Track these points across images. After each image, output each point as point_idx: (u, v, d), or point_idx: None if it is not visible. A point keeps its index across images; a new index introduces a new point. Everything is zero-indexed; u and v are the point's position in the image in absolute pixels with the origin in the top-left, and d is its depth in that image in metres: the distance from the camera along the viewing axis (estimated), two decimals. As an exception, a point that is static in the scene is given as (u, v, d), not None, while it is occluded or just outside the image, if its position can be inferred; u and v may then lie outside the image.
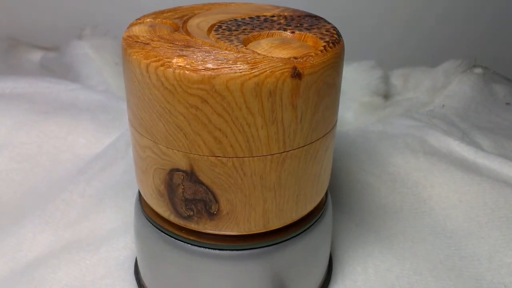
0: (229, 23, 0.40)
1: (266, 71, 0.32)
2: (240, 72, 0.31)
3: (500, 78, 0.90)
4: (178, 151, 0.35)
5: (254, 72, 0.31)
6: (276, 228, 0.40)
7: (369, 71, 0.87)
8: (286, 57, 0.33)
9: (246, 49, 0.34)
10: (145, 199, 0.42)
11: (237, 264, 0.40)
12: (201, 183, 0.36)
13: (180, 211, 0.38)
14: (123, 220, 0.56)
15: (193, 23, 0.39)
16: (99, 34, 0.95)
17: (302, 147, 0.36)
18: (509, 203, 0.56)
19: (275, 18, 0.41)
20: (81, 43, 0.92)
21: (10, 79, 0.76)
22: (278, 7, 0.45)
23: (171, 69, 0.32)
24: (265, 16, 0.42)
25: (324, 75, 0.35)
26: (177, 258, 0.41)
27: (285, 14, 0.43)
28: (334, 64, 0.36)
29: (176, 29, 0.38)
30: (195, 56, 0.32)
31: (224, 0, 0.48)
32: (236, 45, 0.35)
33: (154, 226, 0.42)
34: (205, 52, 0.33)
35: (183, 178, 0.36)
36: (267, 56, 0.33)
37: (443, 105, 0.82)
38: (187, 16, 0.41)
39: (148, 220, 0.42)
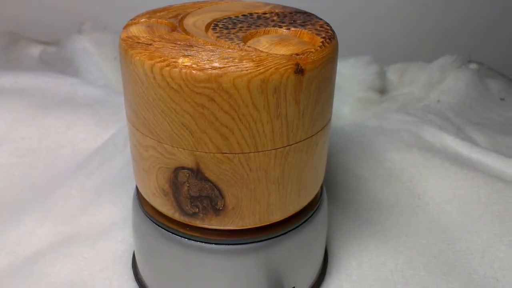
0: (224, 21, 0.40)
1: (271, 68, 0.33)
2: (247, 70, 0.32)
3: (495, 73, 0.91)
4: (184, 149, 0.35)
5: (260, 70, 0.32)
6: (279, 220, 0.41)
7: (366, 67, 0.87)
8: (288, 53, 0.34)
9: (248, 47, 0.35)
10: (147, 198, 0.42)
11: (234, 258, 0.41)
12: (207, 180, 0.36)
13: (185, 208, 0.38)
14: (121, 214, 0.57)
15: (189, 22, 0.40)
16: (98, 29, 0.94)
17: (303, 140, 0.37)
18: (502, 198, 0.57)
19: (267, 15, 0.42)
20: (81, 37, 0.92)
21: (10, 74, 0.77)
22: (268, 4, 0.45)
23: (177, 69, 0.32)
24: (257, 13, 0.43)
25: (323, 70, 0.36)
26: (174, 252, 0.42)
27: (276, 11, 0.43)
28: (331, 59, 0.37)
29: (173, 29, 0.38)
30: (200, 56, 0.33)
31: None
32: (238, 43, 0.35)
33: (152, 220, 0.42)
34: (209, 51, 0.34)
35: (189, 176, 0.36)
36: (271, 54, 0.34)
37: (438, 100, 0.83)
38: (181, 15, 0.41)
39: (146, 215, 0.43)
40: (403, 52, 1.04)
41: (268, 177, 0.37)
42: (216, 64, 0.32)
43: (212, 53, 0.33)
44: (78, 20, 0.95)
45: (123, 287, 0.49)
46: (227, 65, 0.32)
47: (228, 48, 0.35)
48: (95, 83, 0.82)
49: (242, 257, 0.41)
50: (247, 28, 0.39)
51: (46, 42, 1.01)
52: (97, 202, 0.58)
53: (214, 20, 0.40)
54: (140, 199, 0.44)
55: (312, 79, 0.35)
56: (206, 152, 0.35)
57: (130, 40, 0.36)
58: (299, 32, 0.39)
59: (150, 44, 0.35)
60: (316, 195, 0.45)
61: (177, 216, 0.39)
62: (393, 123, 0.73)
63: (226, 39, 0.36)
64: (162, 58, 0.33)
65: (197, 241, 0.40)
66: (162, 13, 0.42)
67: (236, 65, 0.32)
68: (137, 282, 0.49)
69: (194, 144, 0.35)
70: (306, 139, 0.37)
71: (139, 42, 0.35)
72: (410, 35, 1.06)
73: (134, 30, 0.38)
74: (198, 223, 0.39)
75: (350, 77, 0.86)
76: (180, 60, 0.33)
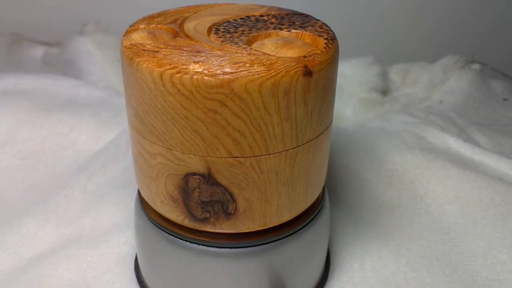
0: (224, 25, 0.40)
1: (281, 71, 0.33)
2: (258, 74, 0.32)
3: (497, 74, 0.91)
4: (195, 155, 0.35)
5: (271, 73, 0.33)
6: (288, 220, 0.41)
7: (368, 67, 0.87)
8: (295, 56, 0.34)
9: (256, 51, 0.35)
10: (153, 206, 0.41)
11: (236, 261, 0.41)
12: (219, 184, 0.36)
13: (196, 214, 0.38)
14: (123, 217, 0.57)
15: (189, 27, 0.40)
16: (101, 30, 0.94)
17: (311, 140, 0.38)
18: (505, 200, 0.56)
19: (265, 18, 0.42)
20: (83, 39, 0.92)
21: (12, 76, 0.77)
22: (262, 6, 0.45)
23: (188, 76, 0.32)
24: (254, 16, 0.43)
25: (329, 71, 0.36)
26: (176, 255, 0.42)
27: (273, 13, 0.44)
28: (335, 59, 0.37)
29: (175, 35, 0.38)
30: (210, 61, 0.33)
31: (204, 1, 0.48)
32: (244, 47, 0.36)
33: (154, 224, 0.42)
34: (218, 56, 0.34)
35: (200, 181, 0.36)
36: (280, 57, 0.34)
37: (441, 101, 0.83)
38: (180, 20, 0.41)
39: (148, 217, 0.43)
40: (406, 53, 1.04)
41: (278, 179, 0.37)
42: (227, 69, 0.32)
43: (222, 58, 0.33)
44: (80, 21, 0.95)
45: (125, 290, 0.49)
46: (238, 70, 0.32)
47: (236, 52, 0.35)
48: (97, 85, 0.82)
49: (245, 260, 0.41)
50: (249, 32, 0.39)
51: (49, 43, 1.01)
52: (99, 204, 0.59)
53: (214, 24, 0.40)
54: (142, 202, 0.44)
55: (318, 80, 0.35)
56: (217, 157, 0.35)
57: (135, 47, 0.36)
58: (300, 34, 0.39)
59: (157, 52, 0.35)
60: (318, 197, 0.45)
61: (187, 222, 0.39)
62: (396, 124, 0.73)
63: (232, 44, 0.36)
64: (172, 65, 0.33)
65: (199, 244, 0.40)
66: (159, 19, 0.42)
67: (248, 70, 0.32)
68: (139, 285, 0.49)
69: (205, 149, 0.35)
70: (313, 139, 0.38)
71: (145, 50, 0.35)
72: (413, 35, 1.06)
73: (137, 37, 0.38)
74: (209, 228, 0.39)
75: (352, 78, 0.86)
76: (191, 67, 0.32)
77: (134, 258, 0.52)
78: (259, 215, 0.39)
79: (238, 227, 0.39)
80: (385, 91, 0.88)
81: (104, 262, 0.51)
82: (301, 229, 0.43)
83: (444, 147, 0.67)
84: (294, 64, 0.34)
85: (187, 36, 0.38)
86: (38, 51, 1.00)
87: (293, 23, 0.41)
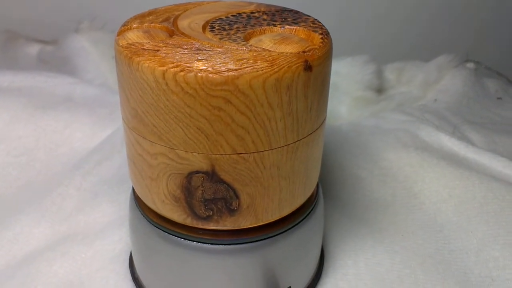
0: (218, 22, 0.41)
1: (284, 66, 0.33)
2: (262, 70, 0.33)
3: (492, 72, 0.91)
4: (199, 153, 0.35)
5: (274, 69, 0.33)
6: (288, 213, 0.41)
7: (363, 66, 0.87)
8: (295, 51, 0.35)
9: (256, 47, 0.35)
10: (153, 206, 0.41)
11: (231, 258, 0.41)
12: (223, 181, 0.36)
13: (199, 212, 0.38)
14: (118, 214, 0.57)
15: (183, 25, 0.40)
16: (96, 28, 0.94)
17: (310, 134, 0.38)
18: (497, 198, 0.57)
19: (256, 15, 0.42)
20: (79, 36, 0.92)
21: (7, 73, 0.77)
22: (251, 3, 0.46)
23: (192, 74, 0.32)
24: (245, 12, 0.43)
25: (326, 66, 0.37)
26: (171, 252, 0.42)
27: (262, 9, 0.44)
28: (330, 54, 0.38)
29: (171, 33, 0.38)
30: (213, 59, 0.33)
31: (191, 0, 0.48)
32: (244, 44, 0.36)
33: (148, 221, 0.42)
34: (220, 53, 0.34)
35: (203, 179, 0.36)
36: (282, 53, 0.34)
37: (436, 100, 0.83)
38: (171, 18, 0.41)
39: (142, 214, 0.43)
40: (401, 52, 1.04)
41: (280, 173, 0.38)
42: (231, 66, 0.32)
43: (224, 56, 0.34)
44: (76, 19, 0.95)
45: (119, 287, 0.49)
46: (242, 67, 0.32)
47: (237, 49, 0.35)
48: (93, 82, 0.82)
49: (239, 257, 0.41)
50: (244, 28, 0.39)
51: (44, 41, 1.01)
52: (94, 202, 0.59)
53: (207, 22, 0.40)
54: (136, 197, 0.44)
55: (317, 75, 0.36)
56: (221, 154, 0.35)
57: (133, 47, 0.36)
58: (294, 30, 0.39)
59: (158, 50, 0.34)
60: (313, 194, 0.45)
61: (189, 221, 0.39)
62: (390, 123, 0.74)
63: (230, 41, 0.36)
64: (175, 64, 0.33)
65: (194, 241, 0.41)
66: (151, 17, 0.41)
67: (252, 66, 0.33)
68: (133, 282, 0.49)
69: (209, 147, 0.35)
70: (312, 132, 0.39)
71: (144, 49, 0.35)
72: (408, 34, 1.06)
73: (133, 36, 0.38)
74: (212, 225, 0.39)
75: (348, 76, 0.86)
76: (195, 65, 0.33)
77: (128, 255, 0.52)
78: (261, 210, 0.39)
79: (241, 223, 0.39)
80: (380, 90, 0.89)
81: (99, 259, 0.51)
82: (295, 225, 0.43)
83: (438, 145, 0.68)
84: (295, 59, 0.34)
85: (183, 34, 0.38)
86: (33, 49, 0.99)
87: (285, 19, 0.41)
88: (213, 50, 0.34)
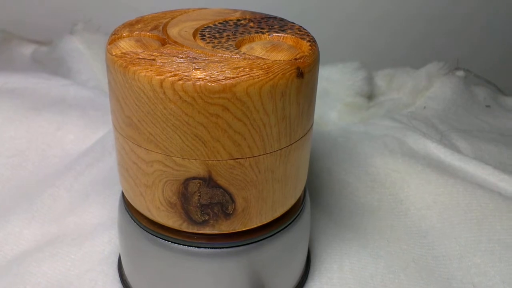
0: (207, 30, 0.41)
1: (278, 74, 0.34)
2: (258, 78, 0.34)
3: (481, 80, 0.92)
4: (196, 159, 0.36)
5: (269, 76, 0.34)
6: (281, 214, 0.42)
7: (354, 72, 0.87)
8: (287, 59, 0.36)
9: (249, 55, 0.36)
10: (147, 213, 0.41)
11: (217, 261, 0.42)
12: (219, 186, 0.37)
13: (195, 218, 0.39)
14: (108, 216, 0.57)
15: (173, 33, 0.40)
16: (91, 30, 0.94)
17: (301, 138, 0.39)
18: (481, 205, 0.57)
19: (243, 22, 0.43)
20: (73, 38, 0.92)
21: (1, 74, 0.77)
22: (235, 11, 0.47)
23: (190, 82, 0.33)
24: (232, 20, 0.44)
25: (315, 72, 0.38)
26: (158, 255, 0.42)
27: (248, 17, 0.45)
28: (318, 61, 0.39)
29: (162, 41, 0.39)
30: (211, 67, 0.34)
31: (177, 7, 0.49)
32: (237, 52, 0.37)
33: (137, 224, 0.43)
34: (217, 62, 0.35)
35: (200, 185, 0.37)
36: (276, 60, 0.36)
37: (425, 107, 0.84)
38: (160, 26, 0.41)
39: (131, 217, 0.43)
40: (392, 59, 1.05)
41: (274, 177, 0.39)
42: (228, 75, 0.33)
43: (220, 64, 0.34)
44: (70, 20, 0.95)
45: (107, 288, 0.49)
46: (239, 75, 0.33)
47: (231, 58, 0.36)
48: (86, 84, 0.82)
49: (226, 260, 0.42)
50: (234, 36, 0.40)
51: (39, 41, 1.01)
52: (85, 203, 0.59)
53: (196, 30, 0.41)
54: (125, 200, 0.45)
55: (308, 81, 0.37)
56: (218, 160, 0.36)
57: (128, 56, 0.36)
58: (282, 37, 0.41)
59: (154, 60, 0.35)
60: (299, 199, 0.46)
61: (184, 226, 0.40)
62: (379, 129, 0.75)
63: (223, 49, 0.37)
64: (173, 73, 0.33)
65: (175, 242, 0.41)
66: (139, 26, 0.42)
67: (248, 74, 0.34)
68: (122, 283, 0.49)
69: (206, 153, 0.35)
70: (303, 136, 0.40)
71: (140, 58, 0.35)
72: (399, 41, 1.07)
73: (125, 45, 0.38)
74: (207, 230, 0.40)
75: (338, 82, 0.86)
76: (192, 74, 0.33)
77: (117, 257, 0.52)
78: (255, 213, 0.40)
79: (236, 227, 0.40)
80: (370, 96, 0.89)
81: (88, 261, 0.52)
82: (282, 230, 0.43)
83: (425, 152, 0.69)
84: (288, 66, 0.35)
85: (176, 42, 0.38)
86: (27, 49, 1.00)
87: (272, 26, 0.42)
88: (208, 59, 0.35)
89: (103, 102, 0.75)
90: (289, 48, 0.38)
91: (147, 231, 0.42)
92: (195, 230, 0.40)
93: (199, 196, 0.37)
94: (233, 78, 0.33)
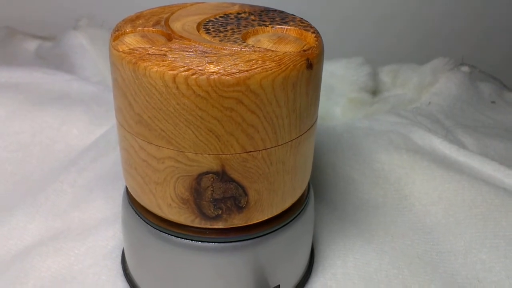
0: (210, 24, 0.41)
1: (290, 65, 0.34)
2: (271, 70, 0.34)
3: (486, 76, 0.91)
4: (209, 154, 0.36)
5: (281, 68, 0.34)
6: (290, 205, 0.43)
7: (358, 68, 0.87)
8: (295, 50, 0.36)
9: (259, 47, 0.36)
10: (157, 211, 0.41)
11: (221, 256, 0.42)
12: (232, 180, 0.37)
13: (208, 213, 0.39)
14: (112, 210, 0.57)
15: (177, 28, 0.40)
16: (95, 25, 0.94)
17: (309, 128, 0.40)
18: (486, 201, 0.57)
19: (243, 15, 0.43)
20: (77, 33, 0.92)
21: (5, 69, 0.77)
22: (234, 4, 0.46)
23: (204, 77, 0.32)
24: (232, 13, 0.44)
25: (321, 63, 0.39)
26: (162, 249, 0.42)
27: (247, 10, 0.45)
28: (323, 51, 0.39)
29: (168, 36, 0.38)
30: (224, 61, 0.34)
31: (175, 1, 0.48)
32: (246, 45, 0.37)
33: (141, 218, 0.43)
34: (228, 55, 0.35)
35: (213, 179, 0.37)
36: (287, 52, 0.36)
37: (430, 103, 0.83)
38: (162, 21, 0.41)
39: (135, 212, 0.43)
40: (396, 54, 1.05)
41: (284, 168, 0.39)
42: (242, 68, 0.33)
43: (233, 57, 0.34)
44: (74, 16, 0.95)
45: (111, 282, 0.49)
46: (253, 67, 0.33)
47: (242, 51, 0.36)
48: (90, 80, 0.82)
49: (230, 255, 0.42)
50: (238, 29, 0.40)
51: (43, 37, 1.01)
52: (88, 198, 0.59)
53: (199, 24, 0.41)
54: (129, 194, 0.45)
55: (316, 72, 0.37)
56: (231, 154, 0.36)
57: (137, 52, 0.35)
58: (285, 29, 0.41)
59: (165, 55, 0.35)
60: (303, 194, 0.45)
61: (197, 222, 0.39)
62: (383, 125, 0.74)
63: (231, 42, 0.37)
64: (186, 67, 0.33)
65: (179, 237, 0.41)
66: (140, 21, 0.41)
67: (261, 66, 0.34)
68: (125, 278, 0.49)
69: (220, 147, 0.35)
70: (311, 127, 0.40)
71: (150, 54, 0.35)
72: (404, 37, 1.07)
73: (132, 41, 0.38)
74: (220, 224, 0.39)
75: (343, 78, 0.86)
76: (206, 68, 0.33)
77: (121, 252, 0.52)
78: (267, 205, 0.40)
79: (249, 220, 0.40)
80: (375, 92, 0.89)
81: (91, 255, 0.52)
82: (286, 224, 0.43)
83: (430, 148, 0.68)
84: (298, 58, 0.35)
85: (182, 37, 0.38)
86: (31, 45, 0.99)
87: (273, 19, 0.42)
88: (219, 52, 0.35)
89: (107, 97, 0.75)
90: (295, 40, 0.38)
91: (150, 225, 0.42)
92: (207, 225, 0.40)
93: (212, 190, 0.37)
94: (247, 71, 0.33)
